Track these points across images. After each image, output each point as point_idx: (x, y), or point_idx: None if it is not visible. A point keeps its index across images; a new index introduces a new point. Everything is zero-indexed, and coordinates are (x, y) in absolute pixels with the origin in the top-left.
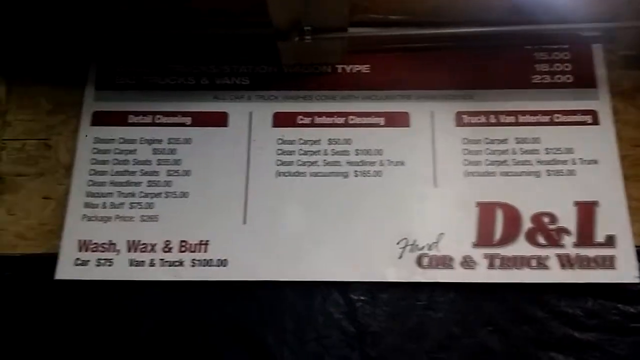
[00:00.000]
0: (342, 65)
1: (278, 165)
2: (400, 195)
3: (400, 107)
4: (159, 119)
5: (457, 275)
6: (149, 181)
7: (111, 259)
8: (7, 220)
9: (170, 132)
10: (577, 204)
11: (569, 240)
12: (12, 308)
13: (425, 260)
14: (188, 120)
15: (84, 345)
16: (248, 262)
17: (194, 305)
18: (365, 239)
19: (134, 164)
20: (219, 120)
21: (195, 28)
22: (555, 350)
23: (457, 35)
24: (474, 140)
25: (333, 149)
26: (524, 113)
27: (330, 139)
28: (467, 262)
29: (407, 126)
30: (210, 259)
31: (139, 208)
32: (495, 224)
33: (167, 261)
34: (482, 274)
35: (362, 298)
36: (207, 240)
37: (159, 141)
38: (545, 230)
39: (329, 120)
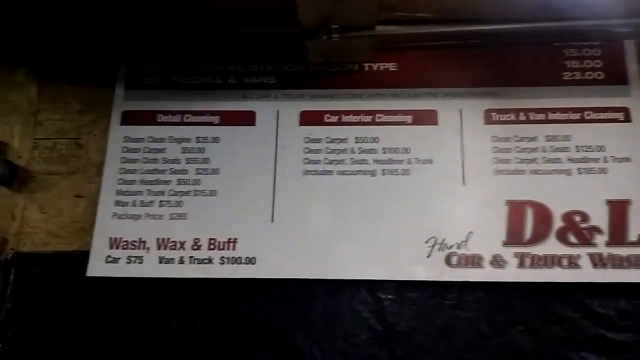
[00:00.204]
0: (369, 64)
1: (305, 163)
2: (429, 194)
3: (428, 105)
4: (187, 118)
5: (486, 274)
6: (178, 179)
7: (141, 257)
8: (39, 218)
9: (198, 131)
10: (609, 202)
11: (601, 239)
12: (45, 305)
13: (454, 259)
14: (216, 119)
15: (114, 341)
16: (276, 260)
17: (222, 303)
18: (394, 237)
19: (163, 163)
20: (247, 119)
21: (222, 28)
22: (587, 351)
23: (485, 32)
24: (503, 138)
25: (360, 148)
26: (554, 110)
27: (357, 137)
28: (497, 261)
29: (435, 124)
30: (239, 257)
31: (169, 206)
32: (525, 222)
33: (196, 259)
34: (512, 273)
35: (390, 297)
36: (236, 238)
37: (188, 140)
38: (576, 229)
39: (356, 118)
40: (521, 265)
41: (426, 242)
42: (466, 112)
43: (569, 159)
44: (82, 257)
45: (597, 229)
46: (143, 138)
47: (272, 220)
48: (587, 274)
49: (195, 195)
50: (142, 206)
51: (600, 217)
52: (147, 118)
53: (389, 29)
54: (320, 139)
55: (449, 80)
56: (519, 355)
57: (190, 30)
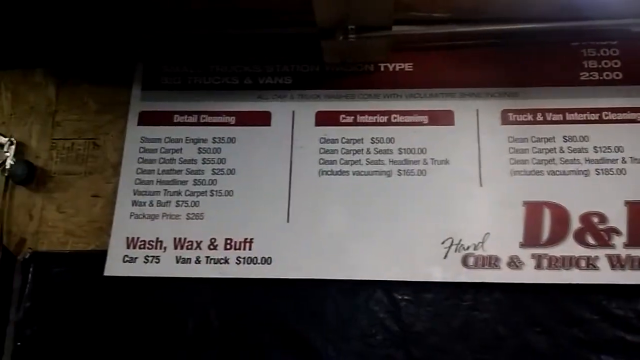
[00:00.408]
0: (385, 64)
1: (321, 164)
2: (445, 195)
3: (444, 105)
4: (203, 118)
5: (503, 275)
6: (195, 180)
7: (158, 256)
8: (57, 217)
9: (214, 132)
10: (628, 203)
11: (619, 241)
12: (62, 304)
13: (471, 260)
14: (232, 119)
15: (131, 341)
16: (292, 261)
17: (238, 302)
18: (410, 238)
19: (179, 163)
20: (263, 119)
21: (238, 28)
22: (605, 353)
23: (502, 32)
24: (520, 138)
25: (376, 148)
26: (571, 111)
27: (373, 137)
28: (514, 262)
29: (452, 124)
30: (255, 257)
31: (185, 206)
32: (543, 223)
33: (212, 258)
34: (529, 275)
35: (406, 297)
36: (252, 238)
37: (204, 140)
38: (594, 230)
39: (371, 119)
40: (538, 266)
41: (442, 243)
42: (483, 112)
43: (587, 160)
44: (100, 256)
45: (615, 230)
46: (160, 138)
47: (288, 221)
48: (605, 275)
49: (212, 196)
50: (159, 206)
51: (618, 218)
52: (164, 118)
53: (406, 29)
54: (336, 139)
55: (465, 80)
56: (536, 357)
57: (206, 30)
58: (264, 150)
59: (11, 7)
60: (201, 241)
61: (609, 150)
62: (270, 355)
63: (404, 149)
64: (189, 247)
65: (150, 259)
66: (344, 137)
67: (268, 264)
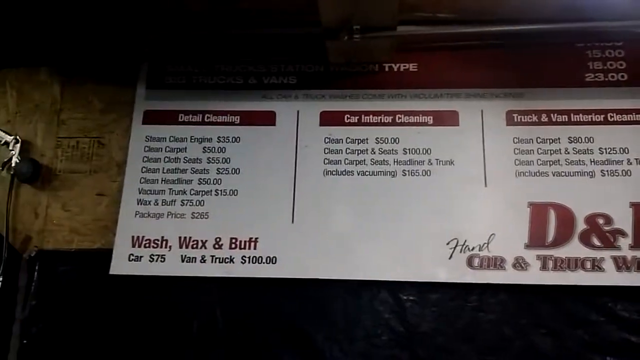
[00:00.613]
0: (389, 64)
1: (325, 164)
2: (450, 195)
3: (449, 105)
4: (208, 117)
5: (508, 276)
6: (200, 179)
7: (163, 255)
8: (62, 216)
9: (219, 131)
10: (633, 205)
11: (624, 242)
12: (68, 302)
13: (476, 261)
14: (237, 119)
15: (136, 339)
16: (297, 260)
17: (243, 302)
18: (415, 239)
19: (184, 162)
20: (267, 119)
21: (243, 28)
22: (611, 355)
23: (507, 32)
24: (525, 139)
25: (381, 148)
26: (576, 112)
27: (377, 138)
28: (519, 264)
29: (456, 125)
30: (260, 257)
31: (190, 205)
32: (548, 225)
33: (217, 258)
34: (534, 276)
35: (411, 298)
36: (257, 238)
37: (209, 140)
38: (600, 231)
39: (376, 119)
40: (544, 267)
41: (447, 243)
42: (488, 113)
43: (592, 161)
44: (105, 255)
45: (620, 232)
46: (165, 137)
47: (293, 220)
48: (610, 277)
49: (217, 195)
50: (164, 205)
51: (624, 220)
52: (169, 117)
53: (411, 29)
54: (341, 139)
55: (470, 81)
56: (541, 358)
57: (211, 30)
58: (269, 149)
59: (17, 6)
60: (206, 240)
61: (614, 152)
62: (275, 355)
63: (409, 149)
64: (194, 246)
65: (155, 257)
66: (348, 137)
67: (273, 263)
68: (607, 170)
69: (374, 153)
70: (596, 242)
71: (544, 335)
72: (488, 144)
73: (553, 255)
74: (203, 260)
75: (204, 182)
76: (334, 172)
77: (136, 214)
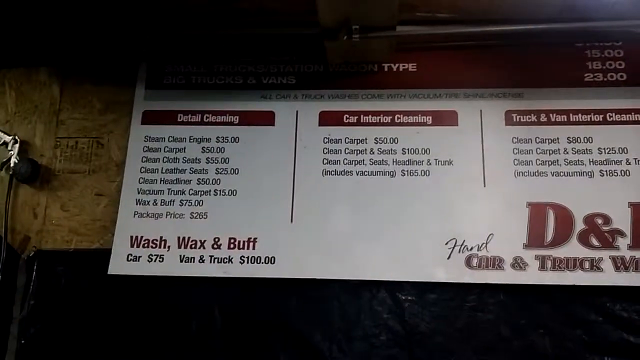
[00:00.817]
0: (388, 64)
1: (324, 164)
2: (449, 195)
3: (448, 105)
4: (207, 118)
5: (507, 276)
6: (199, 179)
7: (162, 255)
8: (61, 216)
9: (218, 131)
10: (632, 205)
11: (623, 242)
12: (66, 302)
13: (475, 261)
14: (236, 119)
15: (135, 339)
16: (295, 260)
17: (242, 302)
18: (413, 238)
19: (183, 162)
20: (266, 119)
21: (242, 28)
22: (609, 355)
23: (506, 32)
24: (524, 139)
25: (380, 148)
26: (575, 112)
27: (376, 138)
28: (518, 263)
29: (455, 125)
30: (259, 257)
31: (189, 205)
32: (547, 225)
33: (216, 258)
34: (533, 276)
35: (410, 298)
36: (255, 238)
37: (208, 140)
38: (598, 231)
39: (375, 119)
40: (542, 267)
41: (446, 243)
42: (487, 113)
43: (591, 161)
44: (104, 255)
45: (619, 232)
46: (163, 137)
47: (292, 220)
48: (609, 277)
49: (216, 195)
50: (162, 205)
51: (622, 220)
52: (168, 118)
53: (410, 29)
54: (340, 139)
55: (469, 81)
56: (540, 358)
57: (210, 30)
58: (268, 150)
59: (15, 6)
60: (205, 240)
61: (613, 152)
62: (274, 355)
63: (408, 149)
64: (193, 246)
65: (154, 257)
66: (347, 137)
67: (272, 263)
68: (606, 170)
69: (373, 153)
70: (595, 242)
71: (543, 335)
72: (487, 144)
73: (552, 255)
74: (202, 260)
75: (202, 182)
76: (333, 172)
77: (135, 214)
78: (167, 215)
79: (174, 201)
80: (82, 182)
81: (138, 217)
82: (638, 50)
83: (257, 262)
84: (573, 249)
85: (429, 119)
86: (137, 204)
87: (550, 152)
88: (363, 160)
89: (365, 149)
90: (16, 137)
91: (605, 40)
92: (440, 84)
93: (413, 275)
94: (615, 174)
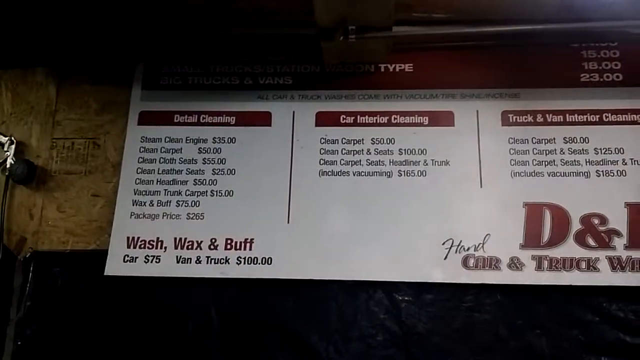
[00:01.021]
0: (385, 65)
1: (321, 164)
2: (446, 196)
3: (445, 106)
4: (204, 118)
5: (504, 276)
6: (195, 180)
7: (159, 256)
8: (58, 217)
9: (215, 132)
10: (628, 205)
11: (619, 242)
12: (63, 303)
13: (471, 261)
14: (232, 119)
15: (131, 341)
16: (292, 261)
17: (239, 303)
18: (410, 239)
19: (180, 163)
20: (263, 119)
21: (239, 28)
22: (606, 355)
23: (503, 33)
24: (520, 139)
25: (376, 149)
26: (572, 112)
27: (373, 138)
28: (515, 264)
29: (452, 125)
30: (255, 257)
31: (185, 206)
32: (543, 225)
33: (213, 259)
34: (529, 276)
35: (406, 298)
36: (252, 239)
37: (204, 140)
38: (595, 232)
39: (372, 119)
40: (539, 268)
41: (443, 244)
42: (483, 113)
43: (588, 161)
44: (100, 256)
45: (616, 232)
46: (160, 138)
47: (289, 221)
48: (605, 277)
49: (212, 196)
50: (159, 206)
51: (619, 220)
52: (164, 118)
53: (406, 29)
54: (336, 139)
55: (465, 81)
56: (536, 359)
57: (207, 30)
58: (265, 150)
59: (12, 6)
60: (201, 241)
61: (610, 152)
62: (271, 356)
63: (405, 150)
64: (190, 247)
65: (150, 258)
66: (344, 138)
67: (268, 264)
68: (602, 171)
69: (370, 153)
70: (591, 242)
71: (540, 336)
72: (483, 144)
73: (548, 256)
74: (198, 261)
75: (199, 183)
76: (329, 173)
77: (131, 215)
78: (163, 216)
79: (170, 202)
80: (79, 182)
81: (134, 217)
82: (634, 50)
83: (254, 263)
84: (569, 249)
85: (425, 119)
86: (133, 205)
87: (547, 152)
88: (360, 160)
89: (362, 150)
90: (12, 138)
91: (601, 41)
92: (437, 85)
93: (410, 276)
94: (612, 174)
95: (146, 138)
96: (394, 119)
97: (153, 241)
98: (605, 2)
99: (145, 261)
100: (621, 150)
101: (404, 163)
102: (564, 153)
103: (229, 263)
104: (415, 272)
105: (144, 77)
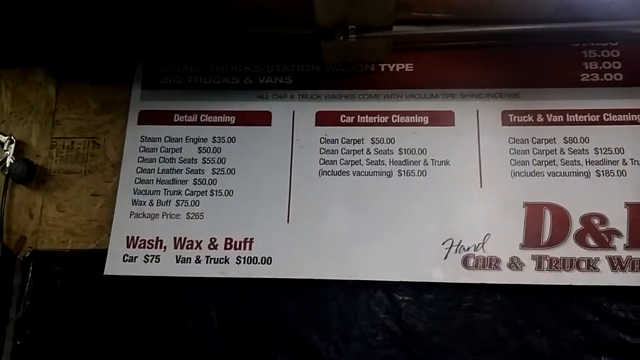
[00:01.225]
0: (385, 64)
1: (321, 164)
2: (446, 195)
3: (445, 105)
4: (203, 118)
5: (504, 276)
6: (195, 179)
7: (158, 256)
8: (57, 216)
9: (215, 131)
10: (628, 205)
11: (619, 242)
12: (62, 303)
13: (471, 261)
14: (232, 119)
15: (131, 340)
16: (292, 261)
17: (238, 302)
18: (410, 239)
19: (179, 162)
20: (263, 119)
21: (239, 28)
22: (606, 355)
23: (503, 32)
24: (520, 139)
25: (376, 148)
26: (572, 112)
27: (373, 138)
28: (515, 264)
29: (452, 125)
30: (255, 257)
31: (185, 206)
32: (543, 225)
33: (212, 258)
34: (529, 276)
35: (406, 298)
36: (252, 238)
37: (204, 140)
38: (595, 231)
39: (372, 119)
40: (539, 267)
41: (443, 243)
42: (483, 113)
43: (588, 161)
44: (100, 255)
45: (616, 232)
46: (160, 138)
47: (288, 221)
48: (605, 277)
49: (212, 195)
50: (159, 205)
51: (619, 220)
52: (164, 118)
53: (407, 29)
54: (336, 139)
55: (466, 81)
56: (536, 358)
57: (207, 30)
58: (264, 150)
59: (12, 5)
60: (201, 241)
61: (610, 152)
62: (271, 355)
63: (405, 150)
64: (189, 246)
65: (150, 258)
66: (344, 137)
67: (268, 264)
68: (603, 171)
69: (370, 153)
70: (591, 242)
71: (540, 335)
72: (483, 144)
73: (548, 256)
74: (198, 260)
75: (199, 183)
76: (329, 173)
77: (131, 215)
78: (163, 215)
79: (170, 201)
80: (78, 182)
81: (134, 217)
82: (634, 50)
83: (253, 263)
84: (569, 249)
85: (425, 119)
86: (133, 205)
87: (547, 152)
88: (360, 160)
89: (362, 149)
90: (12, 137)
91: (601, 41)
92: (437, 84)
93: (410, 276)
94: (612, 174)
95: (146, 137)
96: (394, 118)
97: (153, 241)
98: (603, 2)
99: (144, 261)
100: (621, 150)
101: (404, 163)
102: (564, 153)
103: (228, 263)
104: (416, 272)
105: (143, 76)
